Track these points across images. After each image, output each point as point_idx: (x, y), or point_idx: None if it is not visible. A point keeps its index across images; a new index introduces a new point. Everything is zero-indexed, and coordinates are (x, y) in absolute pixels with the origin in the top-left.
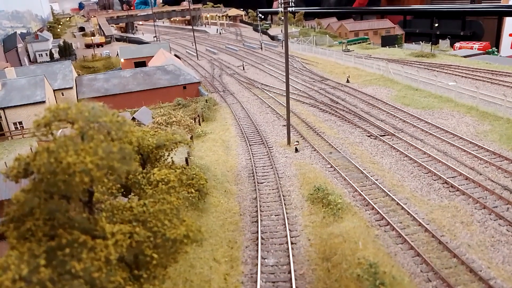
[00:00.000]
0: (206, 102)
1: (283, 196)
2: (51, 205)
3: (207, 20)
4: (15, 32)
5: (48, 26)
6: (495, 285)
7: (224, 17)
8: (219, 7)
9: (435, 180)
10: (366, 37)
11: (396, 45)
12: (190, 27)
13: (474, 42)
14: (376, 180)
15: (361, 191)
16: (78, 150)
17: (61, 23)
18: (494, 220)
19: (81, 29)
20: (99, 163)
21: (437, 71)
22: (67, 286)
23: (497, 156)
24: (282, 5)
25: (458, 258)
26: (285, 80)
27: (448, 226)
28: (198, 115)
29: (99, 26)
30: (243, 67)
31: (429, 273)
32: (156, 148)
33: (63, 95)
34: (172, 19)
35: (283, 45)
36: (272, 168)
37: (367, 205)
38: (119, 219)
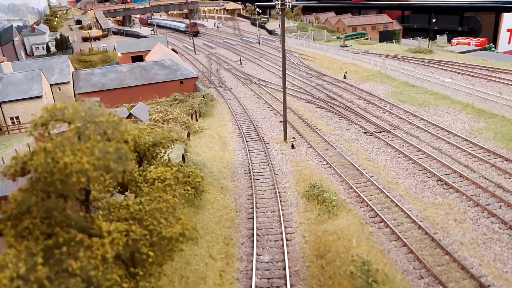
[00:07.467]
0: (203, 97)
1: (279, 193)
2: (48, 203)
3: (204, 14)
4: (12, 25)
5: (45, 19)
6: (486, 282)
7: (222, 11)
8: (217, 0)
9: (429, 178)
10: (364, 32)
11: (393, 41)
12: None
13: (471, 38)
14: (371, 177)
15: (356, 188)
16: (75, 150)
17: (58, 15)
18: (487, 218)
19: (78, 22)
20: (96, 164)
21: (434, 67)
22: (64, 285)
23: (491, 154)
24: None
25: (451, 255)
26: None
27: (441, 223)
28: (195, 111)
29: (96, 19)
30: (241, 62)
31: (421, 270)
32: (153, 146)
33: (60, 89)
34: (169, 13)
35: (281, 40)
36: (268, 165)
37: (361, 202)
38: (115, 217)
